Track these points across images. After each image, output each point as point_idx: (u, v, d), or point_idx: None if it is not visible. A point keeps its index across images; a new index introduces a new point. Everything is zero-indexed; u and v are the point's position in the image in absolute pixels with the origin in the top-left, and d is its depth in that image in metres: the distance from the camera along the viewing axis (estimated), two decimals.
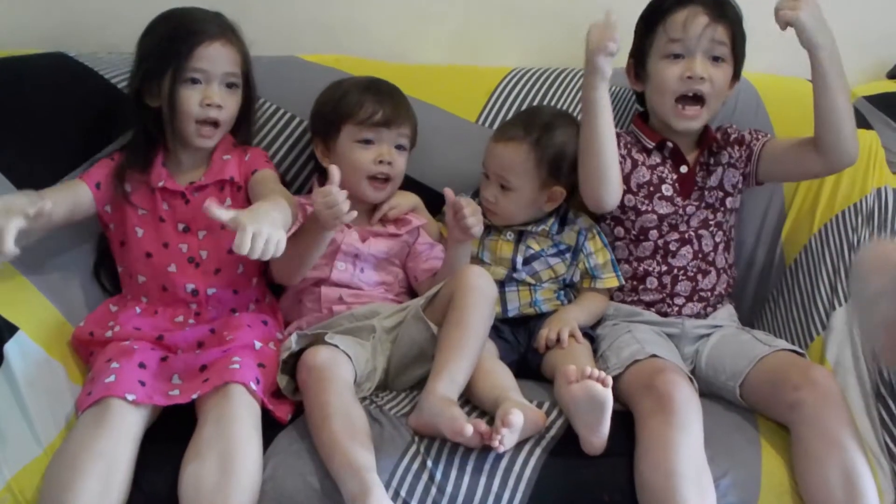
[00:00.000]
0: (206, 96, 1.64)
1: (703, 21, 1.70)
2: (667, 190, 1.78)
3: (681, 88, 1.71)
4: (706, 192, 1.79)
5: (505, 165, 1.74)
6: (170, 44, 1.63)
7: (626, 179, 1.77)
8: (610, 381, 1.39)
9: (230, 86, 1.68)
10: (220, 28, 1.67)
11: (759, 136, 1.80)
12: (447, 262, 1.72)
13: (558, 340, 1.67)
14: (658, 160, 1.79)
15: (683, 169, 1.79)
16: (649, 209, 1.77)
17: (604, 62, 1.62)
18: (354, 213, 1.52)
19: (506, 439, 1.38)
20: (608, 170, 1.68)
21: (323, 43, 2.03)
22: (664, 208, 1.77)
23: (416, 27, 2.09)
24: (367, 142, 1.73)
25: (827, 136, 1.66)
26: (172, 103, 1.63)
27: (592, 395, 1.38)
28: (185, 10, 1.69)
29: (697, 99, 1.72)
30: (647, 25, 1.78)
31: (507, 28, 2.11)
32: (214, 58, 1.64)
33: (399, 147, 1.76)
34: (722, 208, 1.79)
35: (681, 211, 1.77)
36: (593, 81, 1.65)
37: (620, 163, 1.74)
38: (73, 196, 1.64)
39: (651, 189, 1.77)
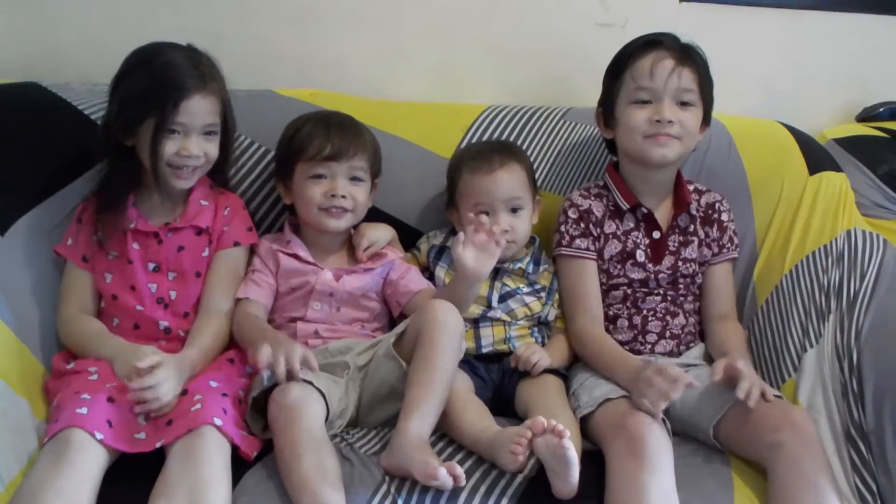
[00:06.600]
0: (183, 147, 1.62)
1: (668, 66, 1.71)
2: (640, 256, 1.78)
3: (650, 130, 1.72)
4: (681, 263, 1.79)
5: (515, 189, 1.78)
6: (154, 95, 1.60)
7: (599, 253, 1.79)
8: (567, 433, 1.36)
9: (209, 133, 1.66)
10: (202, 79, 1.63)
11: (730, 248, 1.83)
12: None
13: (530, 371, 1.68)
14: (631, 224, 1.80)
15: (656, 235, 1.79)
16: (621, 274, 1.78)
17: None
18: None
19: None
20: None
21: (299, 77, 2.04)
22: (636, 273, 1.78)
23: (393, 63, 2.10)
24: (319, 176, 1.73)
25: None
26: (153, 150, 1.61)
27: (553, 450, 1.37)
28: (166, 55, 1.64)
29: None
30: (615, 72, 1.79)
31: (483, 66, 2.13)
32: (195, 112, 1.62)
33: (355, 179, 1.75)
34: (696, 279, 1.81)
35: (652, 276, 1.78)
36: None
37: (594, 240, 1.78)
38: (87, 285, 1.67)
39: (624, 256, 1.78)
